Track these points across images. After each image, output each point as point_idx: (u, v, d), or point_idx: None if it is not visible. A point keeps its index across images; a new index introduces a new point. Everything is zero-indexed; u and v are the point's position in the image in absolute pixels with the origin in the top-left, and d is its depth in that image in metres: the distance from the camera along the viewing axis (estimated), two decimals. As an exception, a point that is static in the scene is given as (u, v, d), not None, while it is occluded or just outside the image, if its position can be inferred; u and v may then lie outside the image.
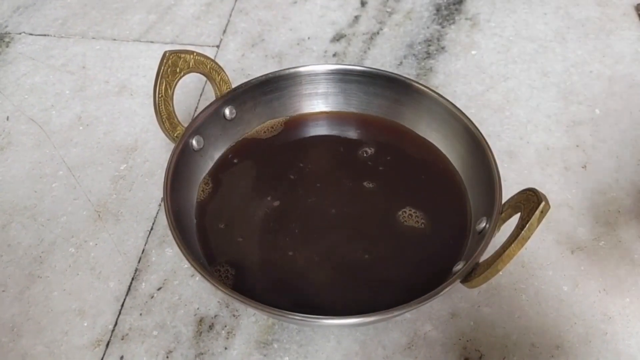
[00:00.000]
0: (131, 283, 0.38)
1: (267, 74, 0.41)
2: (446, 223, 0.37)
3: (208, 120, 0.39)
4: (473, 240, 0.35)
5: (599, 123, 0.46)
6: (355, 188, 0.39)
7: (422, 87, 0.40)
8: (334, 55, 0.53)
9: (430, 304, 0.36)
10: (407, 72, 0.51)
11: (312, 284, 0.34)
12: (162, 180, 0.35)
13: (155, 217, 0.41)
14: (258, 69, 0.52)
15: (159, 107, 0.37)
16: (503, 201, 0.33)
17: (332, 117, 0.43)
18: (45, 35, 0.56)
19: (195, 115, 0.40)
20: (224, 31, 0.56)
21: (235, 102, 0.40)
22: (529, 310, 0.36)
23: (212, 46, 0.54)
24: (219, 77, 0.40)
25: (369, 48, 0.53)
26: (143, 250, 0.40)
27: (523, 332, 0.35)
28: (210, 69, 0.39)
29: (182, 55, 0.37)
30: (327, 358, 0.35)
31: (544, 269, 0.38)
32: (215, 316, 0.36)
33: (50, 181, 0.44)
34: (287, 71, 0.41)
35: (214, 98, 0.40)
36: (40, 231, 0.41)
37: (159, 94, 0.36)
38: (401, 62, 0.52)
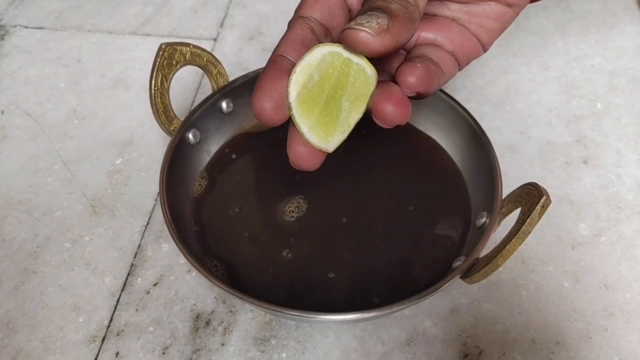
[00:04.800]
0: (127, 278, 0.38)
1: (265, 67, 0.40)
2: (446, 218, 0.36)
3: (205, 114, 0.39)
4: (473, 235, 0.35)
5: (600, 117, 0.46)
6: (353, 183, 0.39)
7: (422, 81, 0.39)
8: (333, 48, 0.52)
9: (429, 300, 0.36)
10: (407, 65, 0.50)
11: (310, 280, 0.34)
12: (159, 174, 0.35)
13: (152, 211, 0.41)
14: (256, 62, 0.51)
15: (155, 100, 0.36)
16: (503, 196, 0.32)
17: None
18: (40, 28, 0.56)
19: (192, 108, 0.39)
20: (222, 24, 0.55)
21: (233, 95, 0.40)
22: (529, 306, 0.36)
23: (210, 39, 0.54)
24: (216, 70, 0.39)
25: (368, 41, 0.53)
26: (139, 246, 0.39)
27: (523, 328, 0.35)
28: (207, 62, 0.39)
29: (179, 48, 0.36)
30: (326, 354, 0.34)
31: (544, 264, 0.38)
32: (212, 312, 0.36)
33: (46, 175, 0.43)
34: (285, 64, 0.41)
35: (210, 91, 0.40)
36: (35, 226, 0.40)
37: (155, 87, 0.36)
38: (401, 56, 0.51)
